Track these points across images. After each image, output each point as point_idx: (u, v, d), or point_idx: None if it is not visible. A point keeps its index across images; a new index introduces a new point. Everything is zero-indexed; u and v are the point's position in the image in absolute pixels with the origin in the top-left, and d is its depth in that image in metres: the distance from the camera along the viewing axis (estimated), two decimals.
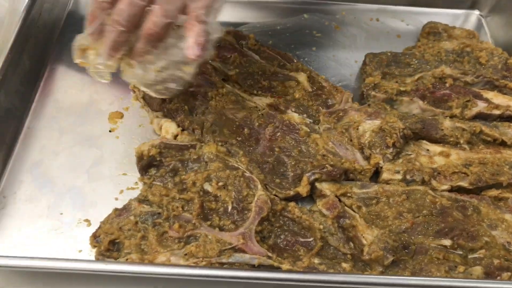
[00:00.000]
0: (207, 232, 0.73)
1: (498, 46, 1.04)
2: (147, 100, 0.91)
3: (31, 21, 0.95)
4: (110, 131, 0.90)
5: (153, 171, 0.81)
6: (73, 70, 0.98)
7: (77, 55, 0.75)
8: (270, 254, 0.71)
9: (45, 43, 1.02)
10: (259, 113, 0.88)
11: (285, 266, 0.70)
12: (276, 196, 0.80)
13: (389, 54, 0.98)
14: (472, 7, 1.15)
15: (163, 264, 0.69)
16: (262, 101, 0.91)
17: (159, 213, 0.75)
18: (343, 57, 1.05)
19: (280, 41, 1.06)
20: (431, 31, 1.05)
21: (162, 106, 0.89)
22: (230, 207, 0.76)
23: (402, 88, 0.91)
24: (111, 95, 0.95)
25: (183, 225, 0.73)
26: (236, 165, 0.81)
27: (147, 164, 0.81)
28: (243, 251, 0.71)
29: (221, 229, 0.74)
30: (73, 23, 1.08)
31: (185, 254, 0.70)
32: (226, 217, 0.75)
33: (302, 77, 0.94)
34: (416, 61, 0.97)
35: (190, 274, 0.64)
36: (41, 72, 0.98)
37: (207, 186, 0.78)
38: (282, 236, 0.75)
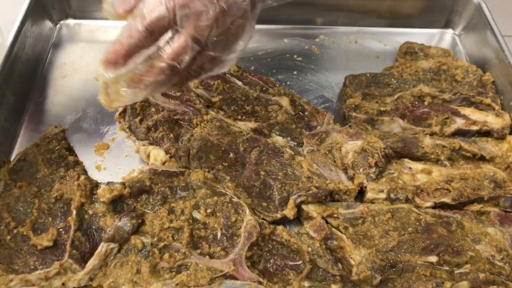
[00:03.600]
0: (198, 260, 0.73)
1: (472, 63, 1.08)
2: (132, 130, 0.92)
3: (14, 56, 0.97)
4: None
5: (144, 197, 0.81)
6: (57, 105, 0.99)
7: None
8: (261, 279, 0.72)
9: (29, 78, 1.02)
10: (244, 138, 0.89)
11: None
12: (264, 219, 0.81)
13: (368, 75, 1.01)
14: (446, 26, 1.19)
15: None
16: (246, 126, 0.92)
17: (151, 244, 0.75)
18: (324, 80, 1.07)
19: (262, 66, 1.09)
20: (408, 51, 1.08)
21: (148, 135, 0.90)
22: (219, 234, 0.77)
23: (382, 108, 0.94)
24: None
25: (173, 254, 0.74)
26: (224, 191, 0.82)
27: (137, 191, 0.81)
28: (234, 278, 0.72)
29: (212, 256, 0.74)
30: (57, 56, 1.08)
31: (177, 284, 0.71)
32: (216, 244, 0.76)
33: (284, 101, 0.96)
34: (394, 81, 1.00)
35: None
36: (25, 107, 0.98)
37: (195, 214, 0.78)
38: (271, 261, 0.76)
